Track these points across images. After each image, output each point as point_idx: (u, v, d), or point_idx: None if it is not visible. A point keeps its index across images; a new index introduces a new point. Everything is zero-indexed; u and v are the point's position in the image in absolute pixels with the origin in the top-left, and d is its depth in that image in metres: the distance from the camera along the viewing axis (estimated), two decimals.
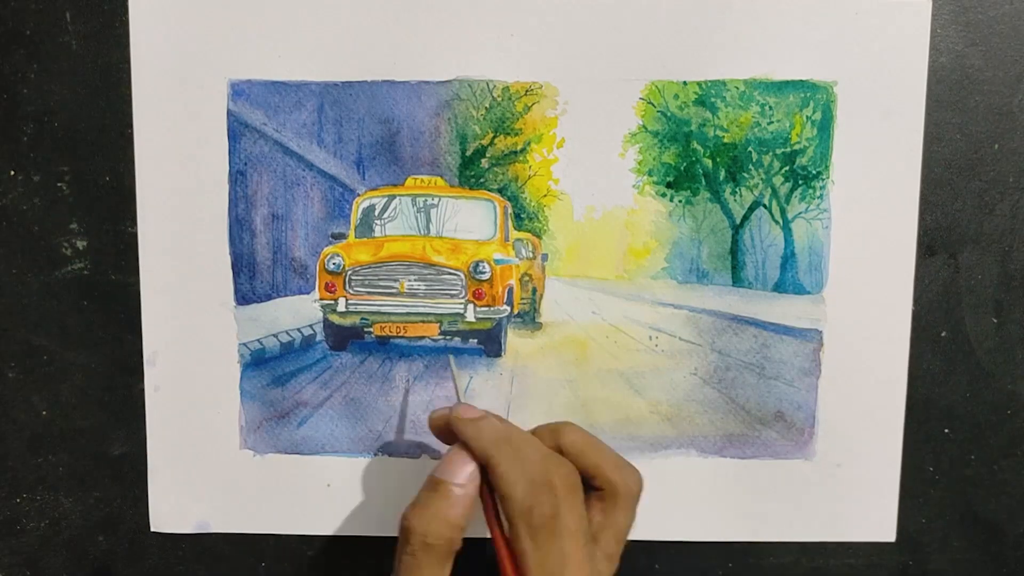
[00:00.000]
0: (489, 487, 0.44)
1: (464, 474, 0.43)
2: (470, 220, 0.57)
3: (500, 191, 0.54)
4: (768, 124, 0.53)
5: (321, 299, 0.55)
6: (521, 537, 0.41)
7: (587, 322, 0.55)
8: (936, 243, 0.54)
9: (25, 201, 0.54)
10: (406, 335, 0.55)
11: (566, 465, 0.43)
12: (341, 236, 0.55)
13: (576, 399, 0.55)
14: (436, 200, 0.56)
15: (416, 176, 0.54)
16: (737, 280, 0.54)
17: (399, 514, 0.44)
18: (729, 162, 0.54)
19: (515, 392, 0.55)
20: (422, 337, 0.55)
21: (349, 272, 0.55)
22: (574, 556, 0.41)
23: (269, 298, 0.54)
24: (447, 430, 0.46)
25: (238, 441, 0.55)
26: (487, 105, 0.53)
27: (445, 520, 0.42)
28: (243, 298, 0.54)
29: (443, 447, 0.55)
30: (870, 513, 0.55)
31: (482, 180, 0.54)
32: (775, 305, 0.54)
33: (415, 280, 0.56)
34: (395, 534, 0.44)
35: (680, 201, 0.54)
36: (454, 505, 0.43)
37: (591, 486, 0.45)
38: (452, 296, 0.56)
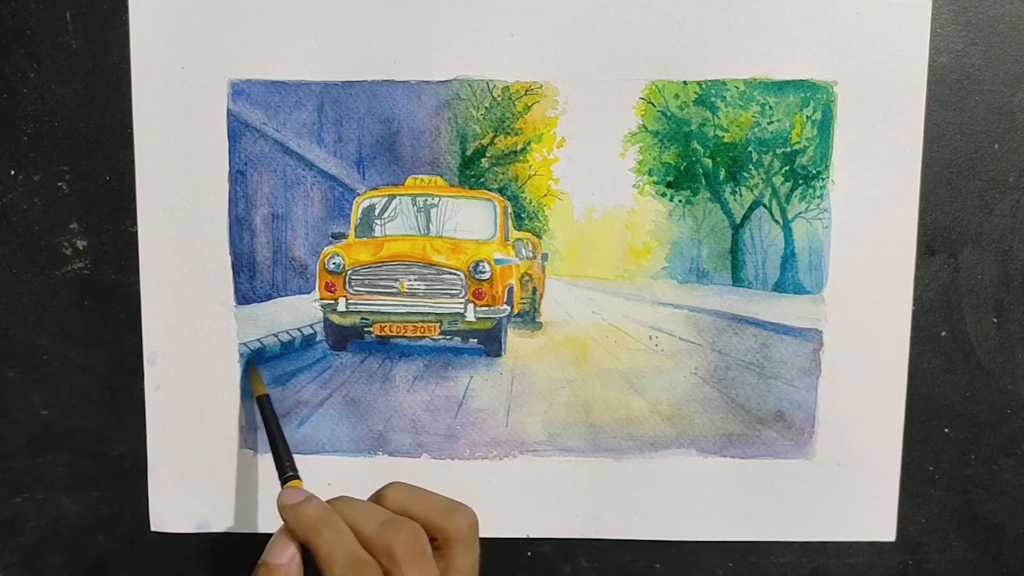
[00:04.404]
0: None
1: (285, 555, 0.43)
2: (470, 220, 0.57)
3: (500, 191, 0.54)
4: (768, 124, 0.53)
5: (321, 299, 0.55)
6: None
7: (587, 322, 0.55)
8: (936, 243, 0.54)
9: (25, 201, 0.54)
10: (406, 335, 0.55)
11: (407, 528, 0.42)
12: (341, 236, 0.55)
13: (576, 399, 0.55)
14: (436, 200, 0.56)
15: (416, 176, 0.54)
16: (737, 280, 0.54)
17: None
18: (729, 162, 0.54)
19: (515, 392, 0.55)
20: (422, 337, 0.55)
21: (349, 272, 0.55)
22: None
23: (269, 298, 0.54)
24: None
25: (238, 441, 0.55)
26: (487, 105, 0.53)
27: None
28: (243, 298, 0.54)
29: (444, 447, 0.55)
30: (870, 513, 0.55)
31: (482, 180, 0.54)
32: (775, 305, 0.54)
33: (415, 280, 0.56)
34: None
35: (680, 201, 0.54)
36: None
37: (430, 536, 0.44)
38: (452, 296, 0.56)
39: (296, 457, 0.55)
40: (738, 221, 0.54)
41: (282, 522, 0.44)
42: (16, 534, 0.56)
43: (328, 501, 0.44)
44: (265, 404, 0.52)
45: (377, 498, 0.45)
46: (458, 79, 0.53)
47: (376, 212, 0.56)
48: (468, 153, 0.54)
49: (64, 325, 0.54)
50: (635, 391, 0.55)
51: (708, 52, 0.52)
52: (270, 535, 0.55)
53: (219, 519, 0.56)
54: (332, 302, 0.55)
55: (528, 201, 0.54)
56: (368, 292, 0.56)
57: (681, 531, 0.56)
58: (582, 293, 0.55)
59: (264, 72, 0.53)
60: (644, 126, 0.53)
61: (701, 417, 0.55)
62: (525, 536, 0.56)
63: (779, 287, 0.54)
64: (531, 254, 0.56)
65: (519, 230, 0.55)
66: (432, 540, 0.43)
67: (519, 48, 0.52)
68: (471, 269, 0.56)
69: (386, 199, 0.56)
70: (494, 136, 0.54)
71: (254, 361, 0.54)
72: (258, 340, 0.54)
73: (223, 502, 0.55)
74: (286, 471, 0.48)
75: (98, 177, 0.53)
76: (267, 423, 0.51)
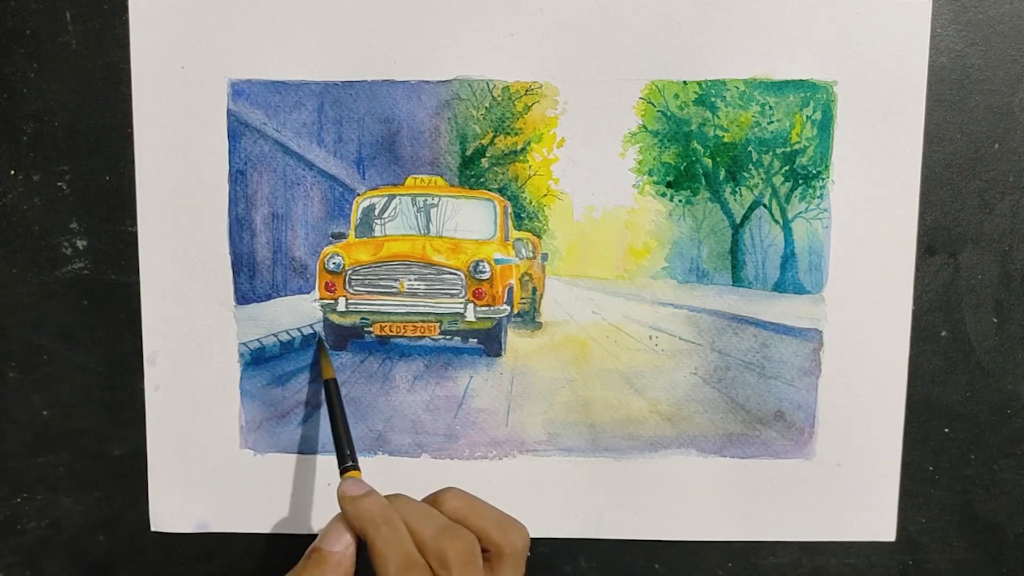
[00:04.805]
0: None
1: (340, 543, 0.43)
2: (470, 220, 0.57)
3: (500, 191, 0.54)
4: (768, 124, 0.53)
5: (321, 299, 0.55)
6: None
7: (587, 322, 0.55)
8: (936, 243, 0.54)
9: (25, 201, 0.54)
10: (406, 335, 0.55)
11: (463, 537, 0.42)
12: (341, 236, 0.55)
13: (576, 399, 0.55)
14: (436, 200, 0.56)
15: (416, 176, 0.54)
16: (737, 280, 0.54)
17: None
18: (729, 162, 0.54)
19: (515, 392, 0.55)
20: (422, 337, 0.55)
21: (349, 272, 0.55)
22: None
23: (269, 298, 0.54)
24: None
25: (238, 441, 0.55)
26: (487, 105, 0.53)
27: None
28: (243, 298, 0.54)
29: (444, 447, 0.55)
30: (870, 513, 0.55)
31: (482, 180, 0.54)
32: (775, 305, 0.54)
33: (415, 280, 0.56)
34: None
35: (680, 201, 0.54)
36: (326, 572, 0.42)
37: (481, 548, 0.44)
38: (452, 296, 0.56)
39: (296, 457, 0.55)
40: (738, 221, 0.54)
41: (338, 511, 0.44)
42: (16, 534, 0.56)
43: (387, 497, 0.44)
44: (332, 388, 0.52)
45: (434, 502, 0.45)
46: (458, 79, 0.53)
47: (376, 212, 0.56)
48: (468, 153, 0.54)
49: (64, 325, 0.54)
50: (635, 391, 0.55)
51: (708, 52, 0.52)
52: (270, 535, 0.56)
53: (219, 519, 0.56)
54: (332, 302, 0.55)
55: (528, 201, 0.54)
56: (368, 292, 0.56)
57: (681, 531, 0.56)
58: (582, 293, 0.55)
59: (264, 72, 0.53)
60: (644, 126, 0.53)
61: (701, 417, 0.55)
62: None
63: (779, 287, 0.54)
64: (531, 254, 0.56)
65: (519, 230, 0.55)
66: (484, 552, 0.43)
67: (519, 48, 0.52)
68: (471, 269, 0.56)
69: (386, 199, 0.56)
70: (494, 136, 0.54)
71: (324, 343, 0.54)
72: (258, 340, 0.54)
73: (223, 502, 0.55)
74: (346, 460, 0.48)
75: (98, 177, 0.53)
76: (331, 408, 0.51)
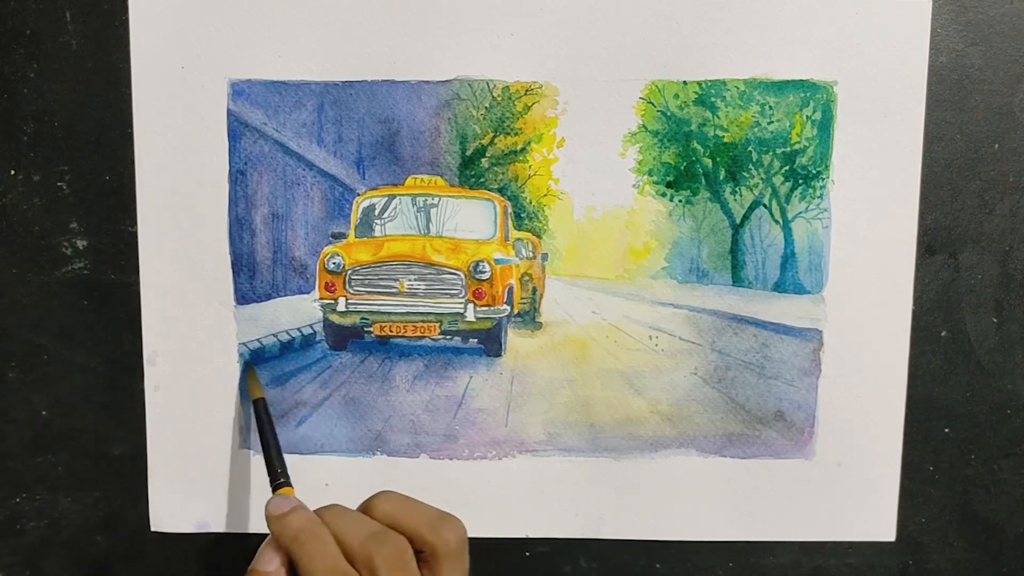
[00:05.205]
0: None
1: (272, 563, 0.43)
2: (470, 220, 0.57)
3: (500, 191, 0.54)
4: (768, 124, 0.53)
5: (321, 299, 0.55)
6: None
7: (587, 322, 0.55)
8: (936, 243, 0.54)
9: (25, 201, 0.54)
10: (406, 335, 0.55)
11: (392, 543, 0.42)
12: (341, 236, 0.55)
13: (576, 399, 0.55)
14: (436, 200, 0.56)
15: (416, 176, 0.54)
16: (737, 280, 0.54)
17: None
18: (729, 162, 0.54)
19: (515, 392, 0.55)
20: (422, 337, 0.55)
21: (349, 272, 0.55)
22: None
23: (269, 298, 0.54)
24: None
25: (238, 441, 0.55)
26: (487, 105, 0.53)
27: None
28: (243, 298, 0.54)
29: (443, 447, 0.55)
30: (870, 513, 0.55)
31: (482, 180, 0.54)
32: (775, 305, 0.54)
33: (415, 280, 0.56)
34: None
35: (680, 201, 0.54)
36: None
37: (416, 549, 0.43)
38: (452, 296, 0.56)
39: (294, 457, 0.55)
40: (738, 221, 0.54)
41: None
42: (16, 534, 0.56)
43: (317, 510, 0.44)
44: (261, 408, 0.52)
45: (366, 508, 0.44)
46: (458, 79, 0.53)
47: (376, 212, 0.56)
48: (468, 153, 0.54)
49: (64, 325, 0.54)
50: (635, 391, 0.55)
51: (708, 52, 0.52)
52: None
53: (219, 519, 0.56)
54: (332, 302, 0.55)
55: (528, 201, 0.54)
56: (368, 292, 0.56)
57: (681, 531, 0.56)
58: (582, 293, 0.55)
59: (264, 72, 0.53)
60: (644, 126, 0.53)
61: (701, 417, 0.55)
62: (524, 536, 0.56)
63: (779, 287, 0.54)
64: (531, 254, 0.56)
65: (519, 230, 0.55)
66: (420, 552, 0.43)
67: (519, 48, 0.52)
68: (471, 269, 0.56)
69: (386, 199, 0.56)
70: (494, 136, 0.54)
71: (252, 363, 0.54)
72: (258, 340, 0.54)
73: (223, 502, 0.55)
74: (277, 478, 0.48)
75: (98, 177, 0.53)
76: (261, 427, 0.51)
